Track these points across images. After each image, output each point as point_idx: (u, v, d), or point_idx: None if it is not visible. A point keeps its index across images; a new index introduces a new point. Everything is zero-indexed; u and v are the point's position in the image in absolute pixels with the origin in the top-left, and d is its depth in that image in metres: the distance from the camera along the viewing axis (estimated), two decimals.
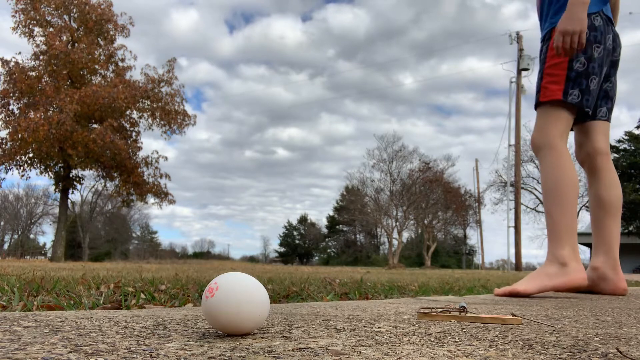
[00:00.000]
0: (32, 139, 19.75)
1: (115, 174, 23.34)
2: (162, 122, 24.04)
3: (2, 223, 54.20)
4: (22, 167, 21.75)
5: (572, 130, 2.50)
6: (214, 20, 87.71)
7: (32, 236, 58.46)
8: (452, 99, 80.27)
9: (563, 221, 2.17)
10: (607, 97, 2.44)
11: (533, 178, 40.12)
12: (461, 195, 38.06)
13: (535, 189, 40.68)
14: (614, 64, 2.41)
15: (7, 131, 20.65)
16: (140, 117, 24.10)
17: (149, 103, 23.62)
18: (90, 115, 21.91)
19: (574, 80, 2.23)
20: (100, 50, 23.22)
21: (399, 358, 0.63)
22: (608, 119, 2.46)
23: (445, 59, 74.90)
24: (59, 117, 19.93)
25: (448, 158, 43.41)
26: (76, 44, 22.78)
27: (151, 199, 24.25)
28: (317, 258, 59.10)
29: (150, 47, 76.21)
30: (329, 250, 58.82)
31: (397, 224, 34.82)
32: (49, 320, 0.87)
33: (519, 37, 23.95)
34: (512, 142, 24.09)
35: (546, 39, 2.39)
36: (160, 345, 0.66)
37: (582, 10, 2.18)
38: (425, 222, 37.55)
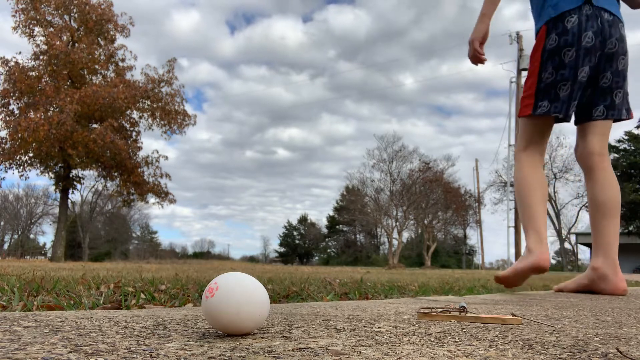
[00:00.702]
0: (32, 139, 19.75)
1: (116, 174, 23.34)
2: (162, 122, 24.05)
3: (2, 223, 54.20)
4: (22, 167, 21.75)
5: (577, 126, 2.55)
6: (215, 21, 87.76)
7: (32, 236, 58.49)
8: (452, 100, 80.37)
9: (526, 217, 2.38)
10: (604, 94, 2.37)
11: None
12: (461, 195, 38.06)
13: None
14: (608, 58, 2.32)
15: (7, 131, 20.67)
16: (140, 117, 24.11)
17: (149, 103, 23.62)
18: (90, 115, 21.91)
19: (543, 91, 2.34)
20: (101, 50, 23.22)
21: (399, 358, 0.63)
22: (606, 117, 2.38)
23: (446, 60, 74.93)
24: (59, 117, 19.93)
25: (448, 158, 43.49)
26: (76, 44, 22.78)
27: (152, 199, 24.29)
28: (317, 258, 59.09)
29: (151, 47, 76.27)
30: (329, 250, 58.82)
31: (397, 224, 34.83)
32: (49, 320, 0.87)
33: (518, 37, 23.94)
34: (512, 142, 24.07)
35: None
36: (160, 345, 0.66)
37: (479, 20, 2.47)
38: (425, 222, 37.55)
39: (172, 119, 23.94)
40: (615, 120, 2.45)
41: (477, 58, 2.54)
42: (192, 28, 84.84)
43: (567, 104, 2.32)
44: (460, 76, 76.97)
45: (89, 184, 38.83)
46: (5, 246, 52.78)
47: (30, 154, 21.38)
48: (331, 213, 56.40)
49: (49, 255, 34.15)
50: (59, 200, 23.78)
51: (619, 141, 32.49)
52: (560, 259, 47.48)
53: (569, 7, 2.30)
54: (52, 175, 22.83)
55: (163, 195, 23.88)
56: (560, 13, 2.31)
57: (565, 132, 40.43)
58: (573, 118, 2.49)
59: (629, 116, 2.44)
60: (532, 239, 2.32)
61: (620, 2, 2.47)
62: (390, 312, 1.25)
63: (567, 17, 2.29)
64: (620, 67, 2.35)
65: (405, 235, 42.74)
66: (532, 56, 2.44)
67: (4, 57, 21.52)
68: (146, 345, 0.66)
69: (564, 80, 2.30)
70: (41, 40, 22.14)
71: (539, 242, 2.29)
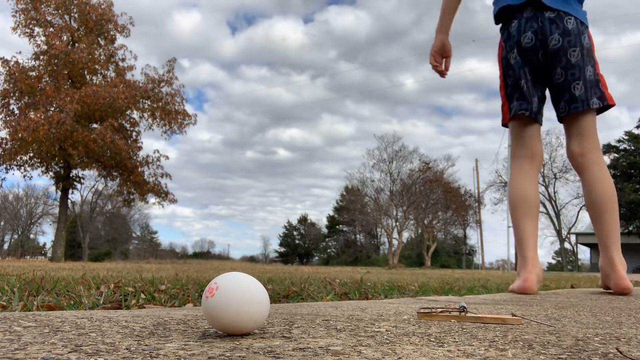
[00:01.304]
0: (32, 139, 19.75)
1: (116, 174, 23.36)
2: (163, 122, 24.06)
3: (2, 223, 54.21)
4: (22, 167, 21.77)
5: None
6: (216, 22, 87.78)
7: (32, 236, 58.51)
8: (453, 100, 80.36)
9: (515, 237, 2.50)
10: (563, 90, 2.37)
11: None
12: (461, 195, 38.06)
13: None
14: (554, 54, 2.32)
15: (7, 131, 20.68)
16: (140, 117, 24.12)
17: (149, 103, 23.63)
18: (90, 115, 21.92)
19: (510, 95, 2.47)
20: (101, 50, 23.23)
21: (399, 358, 0.63)
22: (569, 112, 2.37)
23: None
24: (59, 117, 19.93)
25: (448, 158, 43.54)
26: (76, 44, 22.79)
27: (152, 199, 24.30)
28: (317, 258, 59.09)
29: (152, 48, 76.28)
30: (329, 250, 58.81)
31: (397, 224, 34.83)
32: (49, 320, 0.87)
33: None
34: None
35: None
36: (160, 345, 0.66)
37: (435, 35, 2.63)
38: (425, 222, 37.55)
39: (173, 118, 23.95)
40: (599, 112, 2.42)
41: (435, 70, 2.66)
42: (193, 29, 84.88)
43: (529, 100, 2.42)
44: (460, 77, 76.81)
45: (89, 184, 38.95)
46: (5, 246, 52.79)
47: (31, 154, 21.40)
48: (331, 213, 56.44)
49: (49, 255, 34.16)
50: (59, 200, 23.79)
51: (619, 141, 32.45)
52: (560, 259, 47.49)
53: (507, 3, 2.42)
54: (52, 175, 22.85)
55: (163, 195, 23.89)
56: (508, 21, 2.44)
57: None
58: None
59: (603, 104, 2.36)
60: (518, 263, 2.47)
61: None
62: (390, 312, 1.25)
63: (511, 23, 2.42)
64: (573, 59, 2.32)
65: (405, 235, 42.78)
66: (499, 68, 2.55)
67: (4, 57, 21.55)
68: (146, 345, 0.66)
69: (519, 79, 2.42)
70: (41, 40, 22.15)
71: (524, 267, 2.40)
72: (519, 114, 2.44)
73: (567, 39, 2.31)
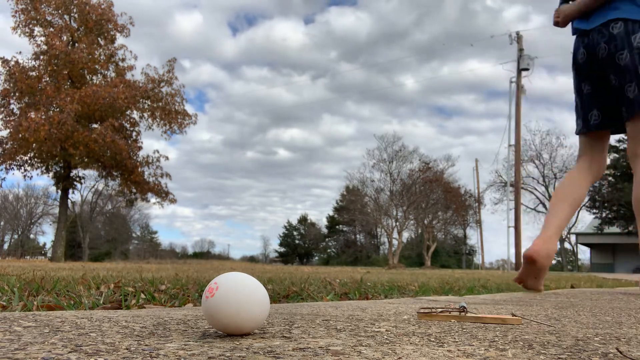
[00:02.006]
0: (33, 139, 19.76)
1: (116, 174, 23.36)
2: (163, 122, 24.05)
3: (2, 223, 54.21)
4: (22, 167, 21.77)
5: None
6: (217, 23, 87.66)
7: (32, 236, 58.50)
8: (453, 101, 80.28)
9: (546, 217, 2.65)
10: (619, 94, 2.40)
11: (533, 178, 40.18)
12: (461, 195, 38.04)
13: (535, 189, 40.68)
14: (604, 63, 2.39)
15: (7, 131, 20.68)
16: (140, 117, 24.11)
17: (149, 103, 23.62)
18: (90, 115, 21.91)
19: (575, 112, 2.67)
20: (101, 50, 23.22)
21: (399, 358, 0.63)
22: (629, 115, 2.39)
23: (447, 61, 74.78)
24: (60, 117, 19.93)
25: (448, 158, 43.43)
26: (76, 44, 22.78)
27: (152, 198, 24.31)
28: (317, 258, 59.07)
29: (153, 48, 76.12)
30: (329, 250, 58.79)
31: (397, 224, 34.82)
32: (49, 320, 0.87)
33: (518, 37, 23.86)
34: (513, 142, 24.04)
35: None
36: (160, 345, 0.66)
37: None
38: (425, 222, 37.53)
39: (173, 118, 23.94)
40: None
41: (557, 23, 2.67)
42: (194, 29, 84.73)
43: (585, 116, 2.58)
44: (461, 77, 76.79)
45: (89, 184, 38.95)
46: (5, 246, 52.79)
47: (31, 154, 21.40)
48: (331, 213, 56.41)
49: (49, 255, 34.15)
50: (59, 200, 23.78)
51: (619, 141, 32.45)
52: (560, 259, 47.52)
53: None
54: (53, 175, 22.85)
55: (163, 195, 23.90)
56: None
57: (565, 132, 40.43)
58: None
59: None
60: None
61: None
62: (390, 312, 1.25)
63: (574, 44, 2.57)
64: (622, 62, 2.32)
65: (405, 235, 42.73)
66: None
67: (4, 57, 21.53)
68: (146, 345, 0.66)
69: (576, 97, 2.61)
70: (41, 40, 22.14)
71: (539, 236, 2.48)
72: (577, 134, 2.67)
73: (613, 44, 2.35)
